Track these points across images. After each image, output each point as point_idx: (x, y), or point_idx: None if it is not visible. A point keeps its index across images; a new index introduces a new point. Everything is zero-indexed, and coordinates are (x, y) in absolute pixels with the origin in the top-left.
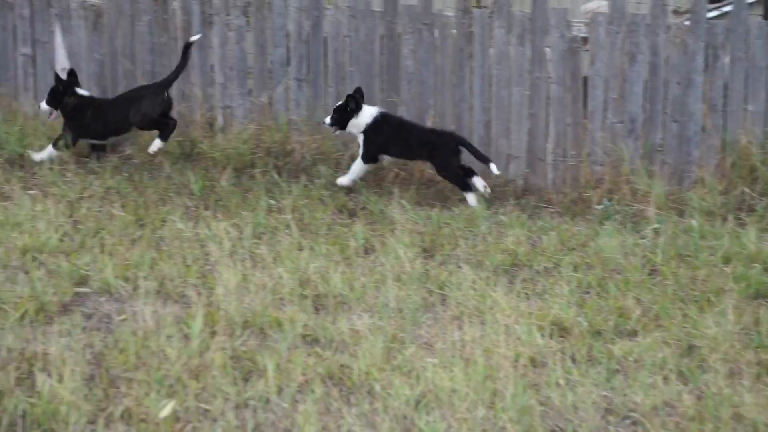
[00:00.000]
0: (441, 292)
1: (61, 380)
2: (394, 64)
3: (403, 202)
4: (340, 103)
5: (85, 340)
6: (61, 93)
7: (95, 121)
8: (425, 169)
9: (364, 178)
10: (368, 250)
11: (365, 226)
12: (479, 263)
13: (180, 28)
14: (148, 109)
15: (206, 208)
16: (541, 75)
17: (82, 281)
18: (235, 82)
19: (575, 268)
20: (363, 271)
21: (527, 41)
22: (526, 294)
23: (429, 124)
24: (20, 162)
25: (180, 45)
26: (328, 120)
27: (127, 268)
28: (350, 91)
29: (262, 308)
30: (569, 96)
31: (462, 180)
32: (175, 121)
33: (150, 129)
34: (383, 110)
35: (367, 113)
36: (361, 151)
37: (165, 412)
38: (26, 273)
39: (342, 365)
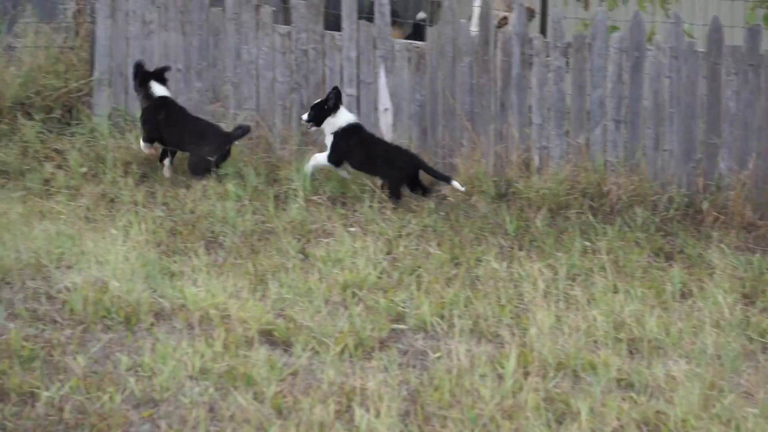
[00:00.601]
0: (762, 340)
1: (378, 415)
2: (715, 105)
3: (723, 246)
4: (319, 100)
5: (401, 377)
6: (326, 110)
7: None
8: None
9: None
10: (685, 295)
11: (682, 270)
12: None
13: (499, 69)
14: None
15: (521, 249)
16: None
17: (399, 318)
18: (552, 123)
19: None
20: (680, 315)
21: None
22: None
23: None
24: (342, 200)
25: (499, 86)
26: (305, 117)
27: (443, 306)
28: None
29: (576, 350)
30: None
31: (399, 196)
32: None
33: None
34: (359, 122)
35: (344, 117)
36: (328, 151)
37: None
38: (346, 308)
39: (658, 411)
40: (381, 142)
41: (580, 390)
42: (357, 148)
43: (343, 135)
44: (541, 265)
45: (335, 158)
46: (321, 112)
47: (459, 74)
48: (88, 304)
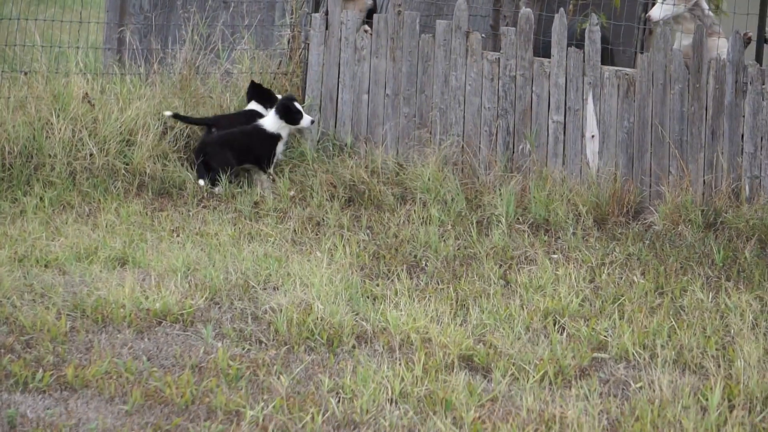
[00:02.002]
0: None
1: None
2: None
3: None
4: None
5: (602, 406)
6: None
7: None
8: None
9: None
10: None
11: None
12: None
13: (711, 97)
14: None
15: (728, 279)
16: None
17: (600, 346)
18: (765, 152)
19: None
20: None
21: None
22: None
23: None
24: (545, 227)
25: (710, 114)
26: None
27: (645, 335)
28: None
29: None
30: None
31: None
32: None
33: None
34: None
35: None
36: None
37: None
38: (546, 336)
39: None
40: None
41: None
42: None
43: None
44: (750, 296)
45: None
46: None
47: (669, 102)
48: (293, 325)
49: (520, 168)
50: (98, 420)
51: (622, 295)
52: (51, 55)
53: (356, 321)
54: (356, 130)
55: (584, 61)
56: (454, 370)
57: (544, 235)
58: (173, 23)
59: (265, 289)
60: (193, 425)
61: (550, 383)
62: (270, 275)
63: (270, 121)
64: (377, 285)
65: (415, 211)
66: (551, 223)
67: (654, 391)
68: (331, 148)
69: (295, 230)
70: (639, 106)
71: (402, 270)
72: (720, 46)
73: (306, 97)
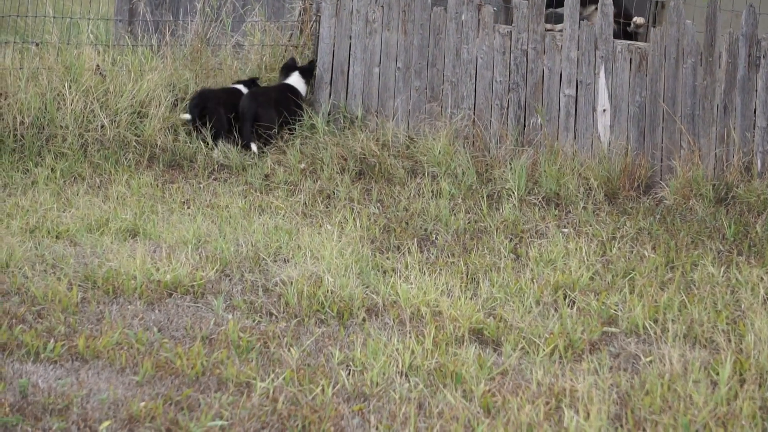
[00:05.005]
0: None
1: (587, 417)
2: None
3: None
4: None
5: (612, 380)
6: None
7: None
8: None
9: None
10: None
11: None
12: None
13: (724, 71)
14: None
15: (739, 254)
16: None
17: (611, 321)
18: None
19: None
20: None
21: None
22: None
23: None
24: (556, 200)
25: (723, 88)
26: None
27: (656, 310)
28: None
29: None
30: None
31: None
32: None
33: None
34: None
35: None
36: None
37: None
38: (557, 309)
39: None
40: None
41: None
42: None
43: None
44: (761, 271)
45: None
46: None
47: (681, 76)
48: (303, 298)
49: (531, 142)
50: (109, 390)
51: (633, 270)
52: (63, 26)
53: (366, 294)
54: (367, 103)
55: (596, 34)
56: (465, 344)
57: (555, 209)
58: None
59: (275, 261)
60: (204, 396)
61: (561, 357)
62: (280, 248)
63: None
64: (387, 258)
65: (425, 184)
66: (562, 197)
67: (664, 365)
68: (341, 121)
69: (305, 203)
70: (651, 81)
71: (412, 243)
72: None
73: (317, 69)
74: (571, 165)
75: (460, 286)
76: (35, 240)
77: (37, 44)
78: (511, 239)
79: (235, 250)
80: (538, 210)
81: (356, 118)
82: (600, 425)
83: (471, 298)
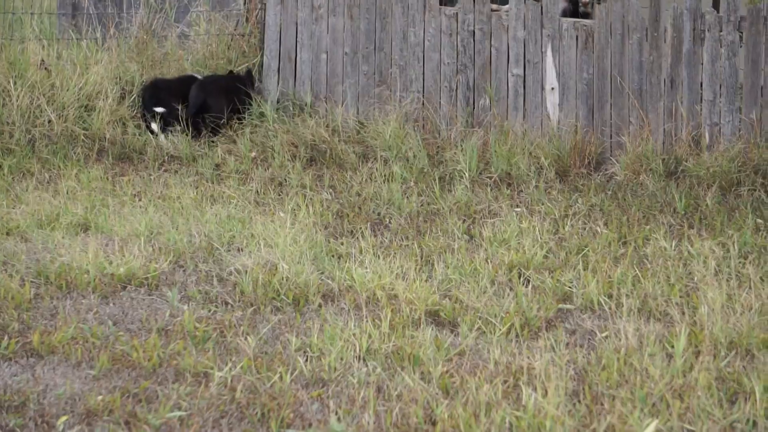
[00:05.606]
0: None
1: (545, 395)
2: None
3: None
4: None
5: (569, 356)
6: None
7: None
8: None
9: None
10: None
11: None
12: None
13: (670, 45)
14: None
15: (690, 227)
16: None
17: (566, 298)
18: (724, 99)
19: None
20: None
21: None
22: None
23: None
24: (507, 180)
25: (669, 62)
26: None
27: (610, 285)
28: None
29: (749, 329)
30: None
31: None
32: None
33: None
34: None
35: None
36: None
37: (648, 430)
38: (512, 288)
39: None
40: None
41: (754, 369)
42: None
43: None
44: (712, 243)
45: None
46: None
47: (628, 51)
48: (258, 286)
49: (481, 123)
50: (66, 385)
51: (586, 246)
52: (5, 21)
53: (322, 280)
54: (316, 90)
55: (542, 13)
56: (421, 326)
57: (507, 188)
58: None
59: (229, 250)
60: (162, 388)
61: (517, 335)
62: (234, 237)
63: None
64: (342, 243)
65: (377, 168)
66: (513, 176)
67: (620, 339)
68: (291, 108)
69: (257, 191)
70: (598, 57)
71: (366, 228)
72: None
73: (264, 57)
74: (522, 144)
75: (415, 268)
76: None
77: None
78: (464, 220)
79: (188, 241)
80: (491, 190)
81: (305, 105)
82: (558, 402)
83: (426, 281)
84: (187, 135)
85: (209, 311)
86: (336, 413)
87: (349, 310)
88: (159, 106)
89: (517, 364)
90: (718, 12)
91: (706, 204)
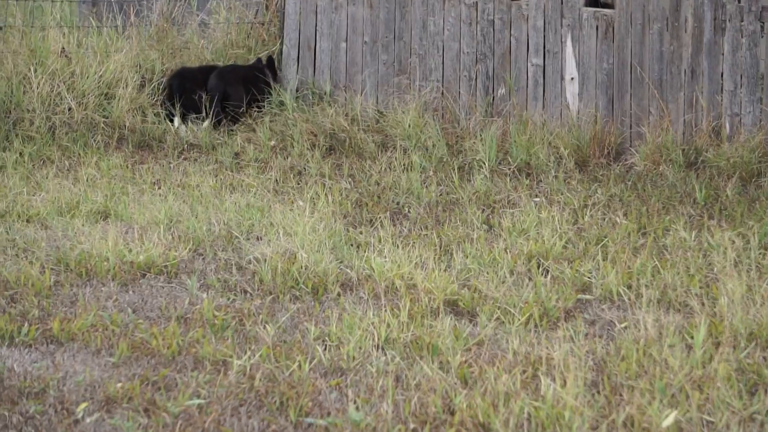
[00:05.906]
0: None
1: (564, 385)
2: None
3: None
4: None
5: (587, 347)
6: None
7: None
8: None
9: None
10: None
11: None
12: None
13: (690, 35)
14: None
15: (710, 218)
16: None
17: (585, 288)
18: (744, 90)
19: None
20: None
21: None
22: None
23: None
24: (527, 170)
25: (690, 52)
26: None
27: (630, 276)
28: None
29: None
30: None
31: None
32: None
33: None
34: None
35: None
36: None
37: (668, 422)
38: (531, 278)
39: None
40: None
41: None
42: None
43: None
44: (732, 234)
45: None
46: None
47: (648, 41)
48: (277, 274)
49: (500, 112)
50: (85, 372)
51: (605, 237)
52: (26, 9)
53: (341, 269)
54: (335, 79)
55: (562, 2)
56: (440, 315)
57: (526, 178)
58: None
59: (248, 239)
60: (180, 375)
61: (536, 326)
62: (253, 225)
63: None
64: (360, 232)
65: (396, 158)
66: (533, 166)
67: (639, 330)
68: (310, 97)
69: (276, 180)
70: (618, 47)
71: (385, 217)
72: None
73: (283, 46)
74: (541, 134)
75: (434, 258)
76: (6, 224)
77: (0, 28)
78: (483, 210)
79: (207, 229)
80: (510, 180)
81: (325, 94)
82: (577, 392)
83: (445, 270)
84: (209, 124)
85: (228, 299)
86: (354, 402)
87: (367, 299)
88: (184, 95)
89: (535, 354)
90: (739, 2)
91: (726, 195)
